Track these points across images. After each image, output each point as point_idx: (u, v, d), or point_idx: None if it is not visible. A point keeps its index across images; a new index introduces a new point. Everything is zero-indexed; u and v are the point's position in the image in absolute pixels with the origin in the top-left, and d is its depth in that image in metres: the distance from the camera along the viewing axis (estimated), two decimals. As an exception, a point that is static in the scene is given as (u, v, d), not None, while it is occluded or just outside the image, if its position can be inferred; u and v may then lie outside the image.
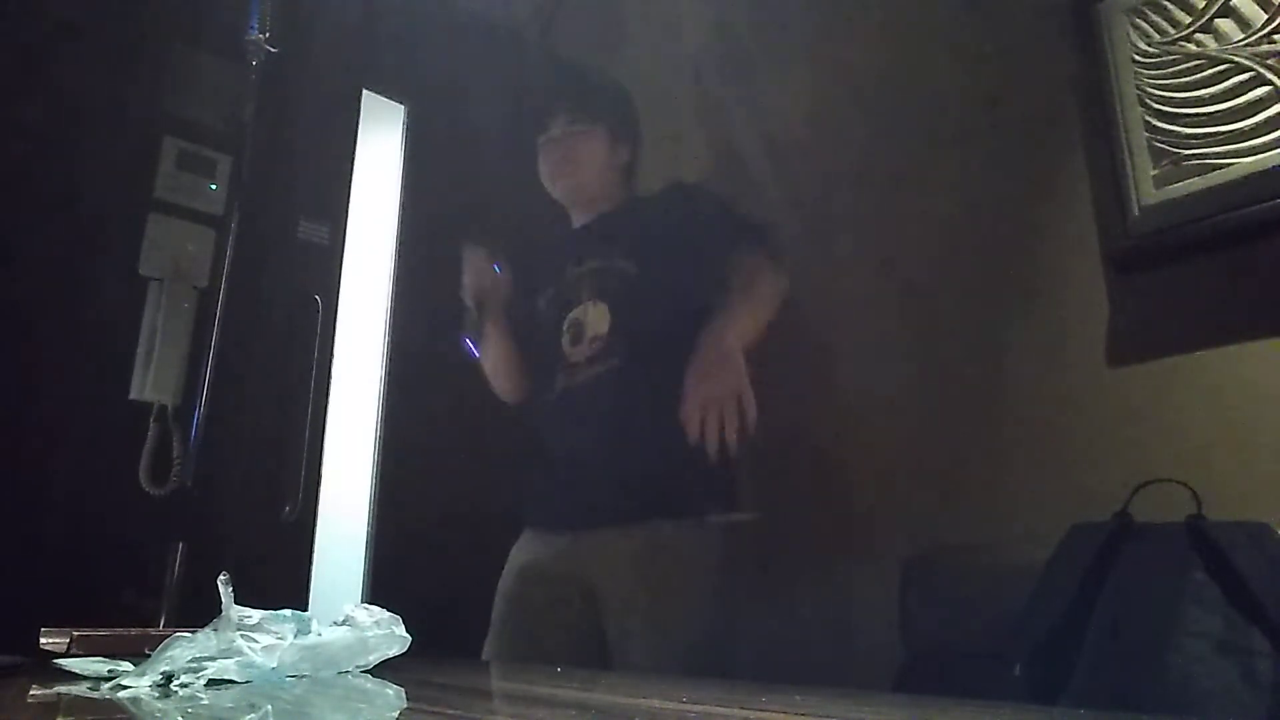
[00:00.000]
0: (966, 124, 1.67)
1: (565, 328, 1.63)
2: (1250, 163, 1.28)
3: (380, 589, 1.89)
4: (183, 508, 1.50)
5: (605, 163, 1.72)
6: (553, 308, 1.67)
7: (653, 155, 2.24)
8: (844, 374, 1.77)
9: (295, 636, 0.81)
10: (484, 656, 1.57)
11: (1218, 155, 1.32)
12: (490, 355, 1.75)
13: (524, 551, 1.62)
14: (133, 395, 1.59)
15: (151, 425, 1.58)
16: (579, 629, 1.52)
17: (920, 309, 1.67)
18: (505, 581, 1.61)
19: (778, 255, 1.61)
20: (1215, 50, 1.35)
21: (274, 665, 0.78)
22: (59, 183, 1.58)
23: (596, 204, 1.73)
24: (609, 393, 1.54)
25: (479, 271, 1.72)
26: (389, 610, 0.91)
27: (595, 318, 1.60)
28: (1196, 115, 1.35)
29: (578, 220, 1.75)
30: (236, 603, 0.79)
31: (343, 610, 0.90)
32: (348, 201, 1.99)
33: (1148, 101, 1.41)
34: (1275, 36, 1.30)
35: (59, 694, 0.76)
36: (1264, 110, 1.29)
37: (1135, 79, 1.43)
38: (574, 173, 1.71)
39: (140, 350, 1.61)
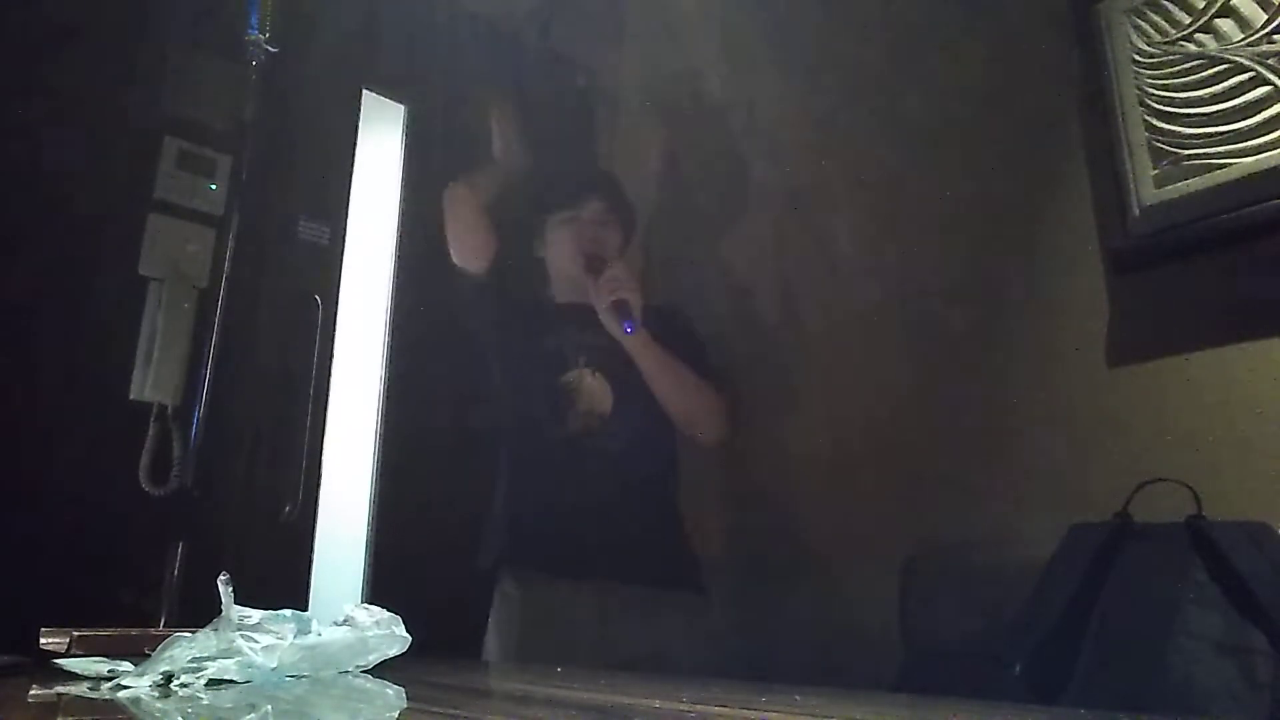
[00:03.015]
0: (966, 124, 1.67)
1: (562, 382, 1.71)
2: (1250, 163, 1.28)
3: (380, 589, 1.89)
4: (183, 508, 1.49)
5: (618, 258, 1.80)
6: (552, 358, 1.73)
7: (653, 154, 2.25)
8: (844, 373, 1.77)
9: (295, 636, 0.81)
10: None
11: (1218, 155, 1.32)
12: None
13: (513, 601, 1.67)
14: (133, 395, 1.59)
15: (151, 425, 1.58)
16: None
17: (919, 309, 1.67)
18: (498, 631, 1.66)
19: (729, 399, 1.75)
20: (1215, 50, 1.35)
21: (274, 665, 0.78)
22: (59, 183, 1.58)
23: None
24: (607, 469, 1.65)
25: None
26: (389, 610, 0.91)
27: (595, 390, 1.70)
28: (1196, 115, 1.35)
29: (571, 299, 1.81)
30: (236, 603, 0.79)
31: (343, 610, 0.90)
32: (348, 201, 1.98)
33: (1148, 101, 1.41)
34: (1275, 36, 1.30)
35: (59, 694, 0.76)
36: (1264, 110, 1.29)
37: (1135, 79, 1.43)
38: (598, 257, 1.77)
39: (140, 350, 1.61)
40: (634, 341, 1.68)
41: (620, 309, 1.70)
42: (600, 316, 1.72)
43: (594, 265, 1.75)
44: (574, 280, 1.79)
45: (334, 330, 1.87)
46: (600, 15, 2.35)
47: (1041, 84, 1.59)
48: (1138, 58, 1.43)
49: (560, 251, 1.80)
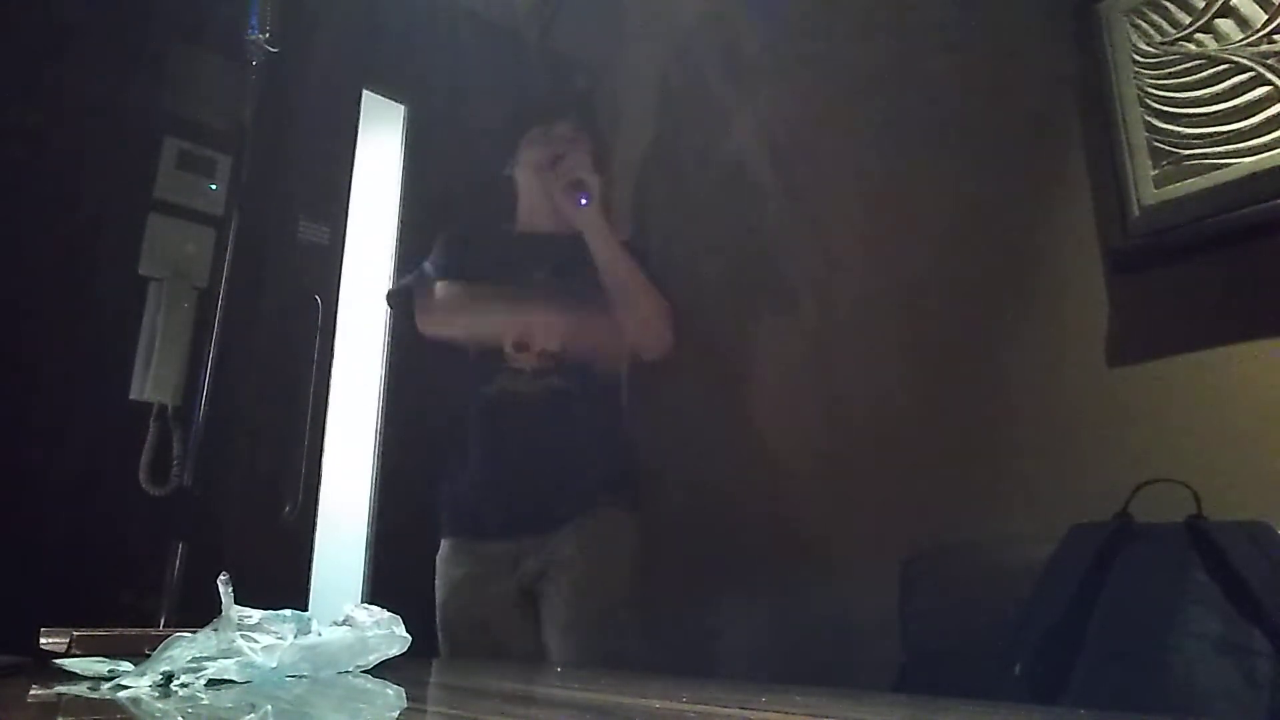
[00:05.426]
0: (966, 124, 1.67)
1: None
2: (1250, 163, 1.28)
3: (380, 589, 1.89)
4: (183, 508, 1.49)
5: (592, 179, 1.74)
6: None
7: (654, 152, 2.25)
8: (844, 373, 1.77)
9: (295, 636, 0.81)
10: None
11: (1218, 155, 1.32)
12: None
13: (461, 565, 1.62)
14: (133, 395, 1.59)
15: (151, 425, 1.58)
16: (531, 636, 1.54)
17: (920, 309, 1.67)
18: (447, 599, 1.60)
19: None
20: (1215, 50, 1.35)
21: (274, 665, 0.78)
22: (59, 183, 1.58)
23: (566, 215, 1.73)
24: (555, 410, 1.57)
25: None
26: (389, 610, 0.91)
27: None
28: (1196, 115, 1.35)
29: (533, 224, 1.74)
30: (236, 603, 0.79)
31: (343, 610, 0.90)
32: (348, 201, 1.99)
33: (1148, 101, 1.41)
34: (1275, 36, 1.30)
35: (59, 694, 0.76)
36: (1264, 110, 1.29)
37: (1135, 79, 1.43)
38: (574, 173, 1.70)
39: (140, 350, 1.61)
40: (590, 220, 1.63)
41: (576, 186, 1.65)
42: (556, 200, 1.67)
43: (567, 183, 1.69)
44: (537, 203, 1.74)
45: (334, 330, 1.88)
46: (600, 15, 2.35)
47: (1042, 84, 1.59)
48: (1138, 58, 1.43)
49: (529, 167, 1.74)
